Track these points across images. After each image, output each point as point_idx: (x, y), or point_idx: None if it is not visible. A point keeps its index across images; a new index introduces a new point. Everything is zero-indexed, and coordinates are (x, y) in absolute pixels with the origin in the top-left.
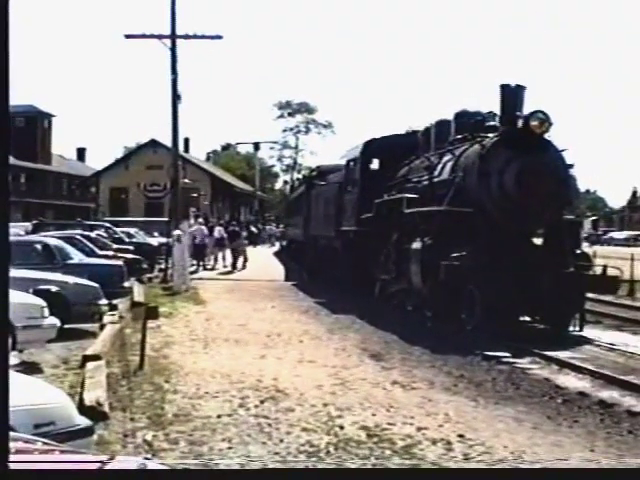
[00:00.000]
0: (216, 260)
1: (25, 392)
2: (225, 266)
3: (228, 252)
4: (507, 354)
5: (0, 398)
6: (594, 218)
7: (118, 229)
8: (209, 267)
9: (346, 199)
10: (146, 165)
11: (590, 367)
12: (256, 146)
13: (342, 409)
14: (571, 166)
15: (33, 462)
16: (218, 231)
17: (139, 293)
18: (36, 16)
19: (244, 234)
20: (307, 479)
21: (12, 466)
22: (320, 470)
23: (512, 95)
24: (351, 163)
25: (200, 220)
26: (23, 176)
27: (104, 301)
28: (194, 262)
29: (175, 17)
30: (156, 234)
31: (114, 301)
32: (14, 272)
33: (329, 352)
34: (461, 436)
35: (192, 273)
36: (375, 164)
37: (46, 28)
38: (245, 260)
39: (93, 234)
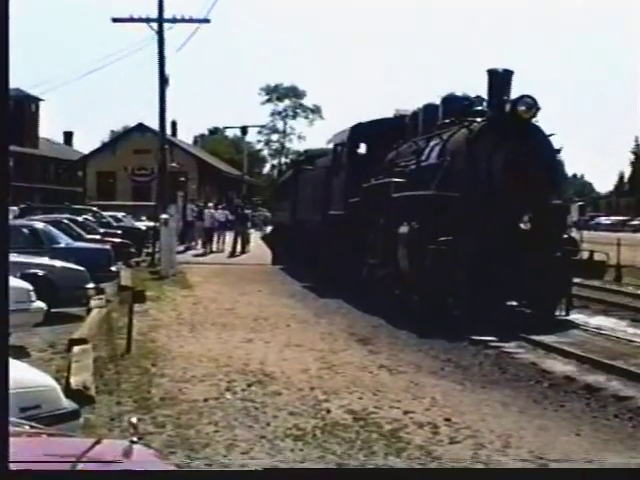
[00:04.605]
0: (197, 243)
1: (11, 376)
2: (212, 250)
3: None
4: (494, 338)
5: (0, 399)
6: (581, 203)
7: (105, 213)
8: (215, 250)
9: (334, 183)
10: (133, 149)
11: (576, 351)
12: (244, 130)
13: (329, 393)
14: (558, 151)
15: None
16: (224, 215)
17: (126, 277)
18: None
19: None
20: (307, 479)
21: (12, 466)
22: (320, 470)
23: (500, 80)
24: (338, 147)
25: (210, 204)
26: (11, 160)
27: (91, 285)
28: (197, 246)
29: (162, 0)
30: (144, 218)
31: (101, 285)
32: None
33: (316, 336)
34: (448, 420)
35: (200, 256)
36: (362, 148)
37: (32, 11)
38: (248, 244)
39: (80, 218)
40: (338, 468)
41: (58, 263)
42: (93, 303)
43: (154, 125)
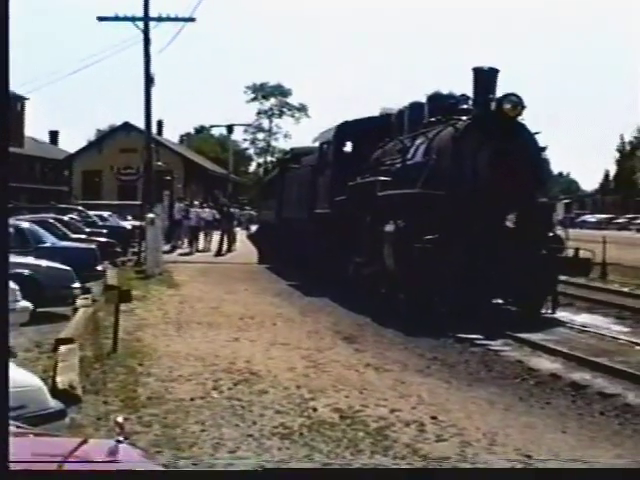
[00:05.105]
0: (183, 242)
1: None
2: (199, 250)
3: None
4: (480, 336)
5: (0, 399)
6: (567, 201)
7: (91, 212)
8: (201, 249)
9: (319, 182)
10: (119, 148)
11: (562, 349)
12: (229, 129)
13: (315, 391)
14: (544, 149)
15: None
16: (211, 214)
17: (112, 276)
18: None
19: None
20: (295, 479)
21: (12, 466)
22: (319, 470)
23: (485, 78)
24: (324, 146)
25: (196, 203)
26: None
27: (77, 284)
28: (183, 245)
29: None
30: (129, 217)
31: (87, 284)
32: None
33: (302, 335)
34: (434, 418)
35: (186, 255)
36: (349, 147)
37: (16, 10)
38: (234, 242)
39: (66, 217)
40: (337, 468)
41: (44, 262)
42: (79, 302)
43: (140, 124)
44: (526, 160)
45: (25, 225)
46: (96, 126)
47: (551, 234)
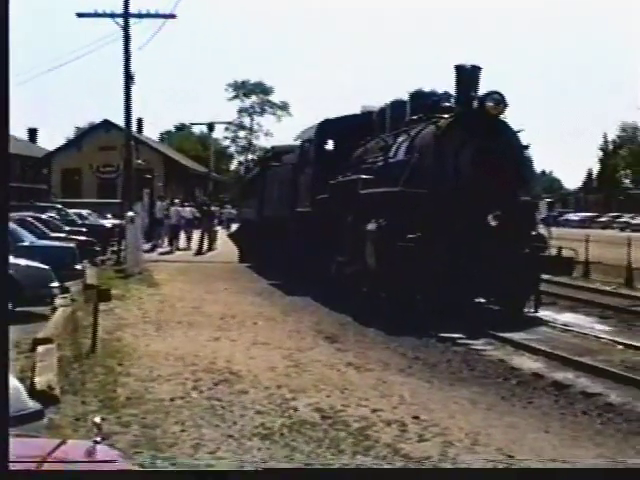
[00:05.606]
0: (163, 241)
1: None
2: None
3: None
4: (462, 335)
5: (0, 399)
6: (550, 200)
7: (70, 211)
8: (182, 248)
9: (301, 180)
10: (99, 146)
11: (545, 348)
12: (210, 127)
13: (296, 391)
14: (527, 147)
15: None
16: (191, 212)
17: (91, 275)
18: None
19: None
20: (286, 479)
21: (12, 466)
22: (300, 470)
23: (467, 76)
24: (306, 144)
25: (176, 201)
26: None
27: (56, 284)
28: (163, 244)
29: None
30: (109, 216)
31: (66, 284)
32: None
33: (283, 334)
34: (416, 417)
35: (167, 253)
36: (330, 145)
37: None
38: (215, 241)
39: (45, 216)
40: (334, 468)
41: (22, 262)
42: (58, 302)
43: (120, 122)
44: (509, 158)
45: None
46: (75, 124)
47: (534, 233)
